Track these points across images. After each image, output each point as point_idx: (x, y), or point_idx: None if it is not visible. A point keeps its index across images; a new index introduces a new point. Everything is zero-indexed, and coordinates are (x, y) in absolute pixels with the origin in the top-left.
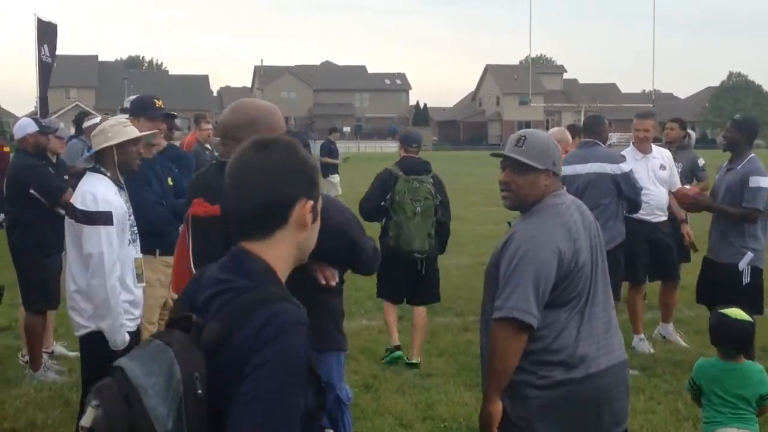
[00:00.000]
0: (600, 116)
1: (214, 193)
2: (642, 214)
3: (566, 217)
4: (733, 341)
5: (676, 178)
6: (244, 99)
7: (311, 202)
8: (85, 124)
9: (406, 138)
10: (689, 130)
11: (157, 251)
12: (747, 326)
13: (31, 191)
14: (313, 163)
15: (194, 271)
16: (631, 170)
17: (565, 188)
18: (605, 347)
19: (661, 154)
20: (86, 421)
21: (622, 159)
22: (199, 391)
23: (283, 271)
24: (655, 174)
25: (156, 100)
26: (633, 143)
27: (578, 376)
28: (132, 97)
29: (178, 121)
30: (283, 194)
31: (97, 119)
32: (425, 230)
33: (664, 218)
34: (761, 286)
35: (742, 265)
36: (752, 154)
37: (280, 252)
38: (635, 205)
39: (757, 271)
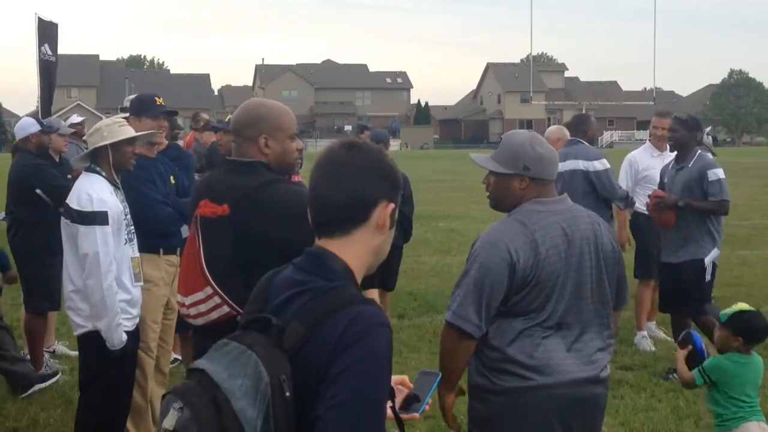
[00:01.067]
0: (586, 115)
1: (220, 193)
2: None
3: (536, 226)
4: (761, 334)
5: None
6: (255, 98)
7: (392, 206)
8: (66, 123)
9: (374, 138)
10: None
11: (161, 250)
12: (763, 317)
13: (37, 191)
14: (398, 169)
15: (207, 272)
16: (606, 169)
17: (565, 195)
18: (578, 362)
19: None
20: (169, 423)
21: (599, 157)
22: (287, 393)
23: (358, 274)
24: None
25: (156, 98)
26: (649, 140)
27: (534, 385)
28: (131, 97)
29: (180, 121)
30: (368, 193)
31: (73, 118)
32: None
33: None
34: (712, 282)
35: (709, 260)
36: (699, 151)
37: (357, 252)
38: (611, 203)
39: (715, 268)
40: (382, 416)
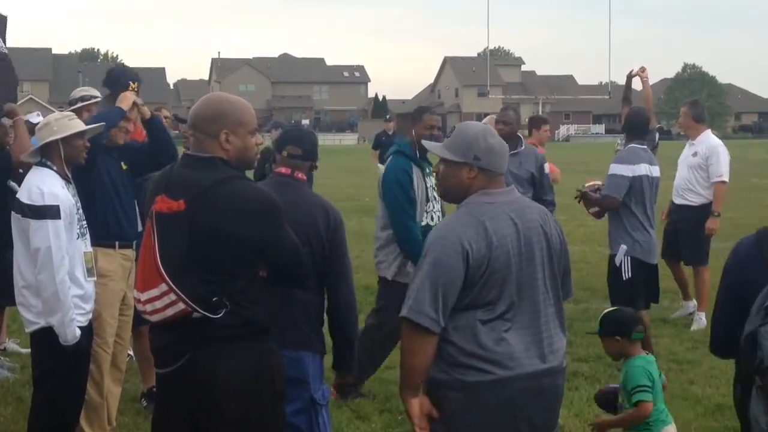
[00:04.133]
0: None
1: (177, 188)
2: (673, 195)
3: (486, 217)
4: (630, 323)
5: (714, 168)
6: (216, 92)
7: None
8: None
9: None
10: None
11: (117, 244)
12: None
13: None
14: None
15: (161, 268)
16: None
17: (512, 187)
18: (539, 353)
19: (702, 142)
20: None
21: None
22: None
23: None
24: (686, 159)
25: (132, 83)
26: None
27: (495, 378)
28: (80, 89)
29: None
30: None
31: (32, 117)
32: None
33: (685, 203)
34: (646, 280)
35: (619, 258)
36: (632, 144)
37: None
38: None
39: (640, 264)
40: None
